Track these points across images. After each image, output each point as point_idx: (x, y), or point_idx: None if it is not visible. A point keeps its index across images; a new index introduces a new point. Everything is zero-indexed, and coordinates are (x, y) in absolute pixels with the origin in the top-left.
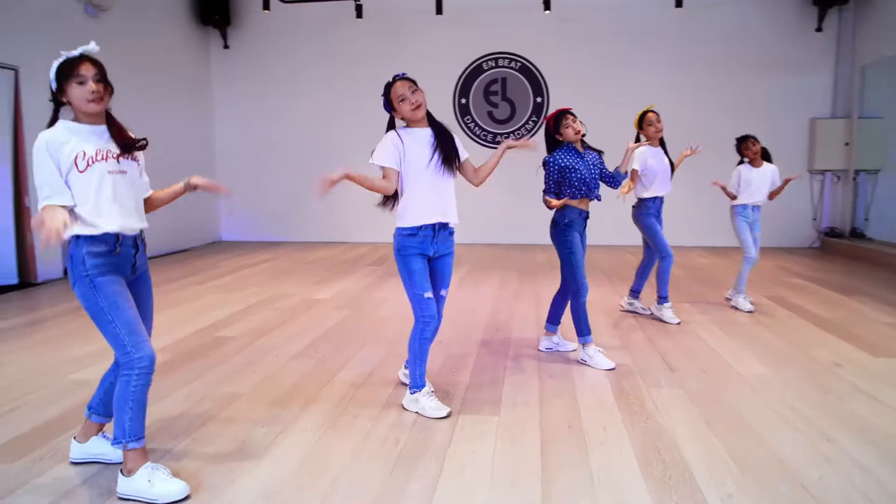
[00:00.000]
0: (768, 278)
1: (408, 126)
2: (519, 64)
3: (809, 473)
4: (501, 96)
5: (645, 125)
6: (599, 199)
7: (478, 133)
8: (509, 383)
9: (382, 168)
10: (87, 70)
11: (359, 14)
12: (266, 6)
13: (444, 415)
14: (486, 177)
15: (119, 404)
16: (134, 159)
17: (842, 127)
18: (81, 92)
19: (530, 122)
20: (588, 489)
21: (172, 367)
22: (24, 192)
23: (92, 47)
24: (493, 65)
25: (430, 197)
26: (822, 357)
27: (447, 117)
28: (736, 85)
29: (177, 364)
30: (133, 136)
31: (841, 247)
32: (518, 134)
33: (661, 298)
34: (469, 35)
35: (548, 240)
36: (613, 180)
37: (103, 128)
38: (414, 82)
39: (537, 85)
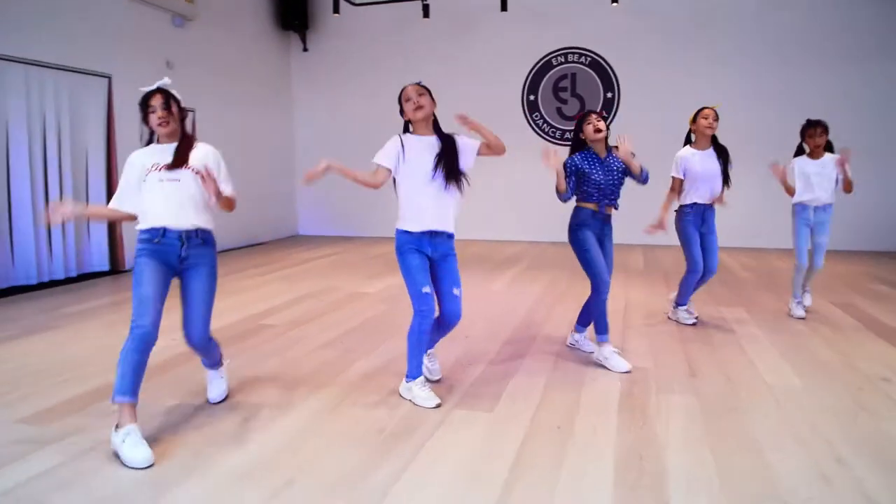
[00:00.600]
0: (847, 283)
1: (414, 132)
2: (589, 59)
3: (798, 494)
4: (571, 92)
5: (699, 118)
6: (616, 208)
7: (546, 130)
8: (517, 380)
9: (377, 164)
10: (156, 101)
11: (426, 14)
12: (336, 10)
13: (434, 405)
14: (493, 141)
15: (118, 362)
16: (188, 169)
17: None
18: (153, 119)
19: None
20: (550, 490)
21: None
22: (116, 188)
23: (165, 81)
24: (563, 60)
25: (428, 206)
26: (869, 370)
27: (515, 115)
28: (825, 78)
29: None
30: (189, 155)
31: None
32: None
33: (678, 304)
34: (538, 30)
35: (729, 242)
36: (639, 181)
37: (173, 145)
38: (426, 89)
39: (608, 80)
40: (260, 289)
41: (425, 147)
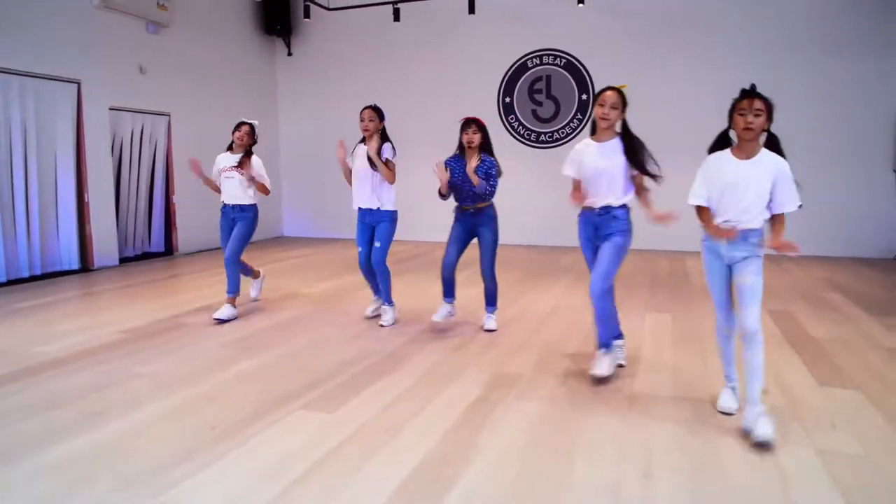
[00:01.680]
0: (798, 289)
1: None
2: (564, 60)
3: None
4: (546, 94)
5: (595, 105)
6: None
7: (521, 132)
8: (380, 385)
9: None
10: (242, 129)
11: (396, 18)
12: (307, 15)
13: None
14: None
15: None
16: (239, 172)
17: None
18: (236, 136)
19: (575, 121)
20: (331, 493)
21: (120, 345)
22: (85, 189)
23: (252, 121)
24: (538, 62)
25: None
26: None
27: (491, 117)
28: (806, 74)
29: (126, 343)
30: (245, 163)
31: None
32: (562, 132)
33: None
34: (514, 32)
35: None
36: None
37: (239, 155)
38: (375, 111)
39: (583, 81)
40: (207, 289)
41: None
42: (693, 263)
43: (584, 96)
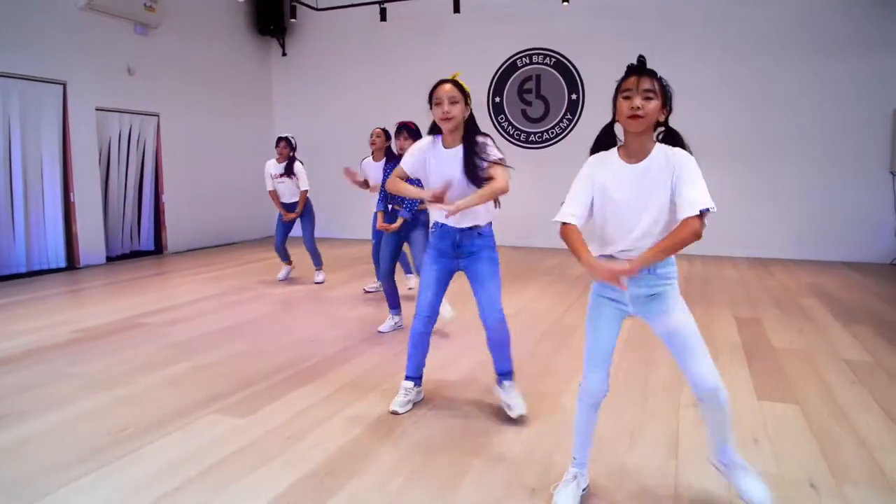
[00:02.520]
0: (778, 297)
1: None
2: (553, 59)
3: None
4: (535, 94)
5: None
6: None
7: (511, 132)
8: (305, 390)
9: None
10: (278, 144)
11: (383, 17)
12: (293, 15)
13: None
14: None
15: None
16: (289, 177)
17: None
18: (278, 150)
19: (564, 121)
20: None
21: (67, 345)
22: (71, 189)
23: (287, 135)
24: (528, 61)
25: None
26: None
27: (481, 117)
28: (803, 73)
29: (74, 343)
30: (291, 170)
31: None
32: (552, 132)
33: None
34: (503, 31)
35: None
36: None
37: (283, 164)
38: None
39: (572, 81)
40: (178, 288)
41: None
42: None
43: (573, 96)
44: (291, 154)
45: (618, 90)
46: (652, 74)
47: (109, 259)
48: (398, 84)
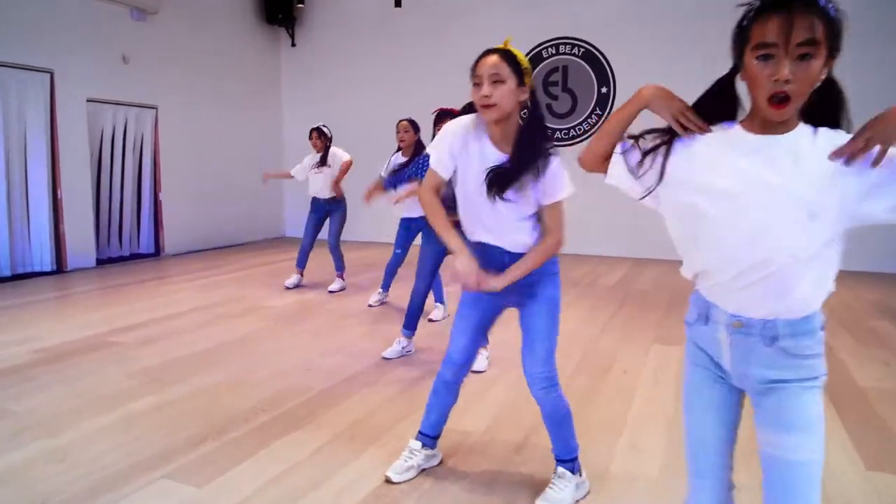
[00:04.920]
0: (840, 318)
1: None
2: (582, 50)
3: None
4: (562, 87)
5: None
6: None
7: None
8: (274, 449)
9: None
10: (311, 137)
11: (398, 3)
12: (300, 1)
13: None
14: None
15: None
16: (326, 167)
17: None
18: (312, 143)
19: (594, 116)
20: None
21: (20, 369)
22: (59, 185)
23: (318, 125)
24: (554, 52)
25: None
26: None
27: None
28: (858, 64)
29: (29, 367)
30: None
31: None
32: (578, 129)
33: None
34: (528, 19)
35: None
36: None
37: (319, 154)
38: (508, 60)
39: (603, 73)
40: (167, 297)
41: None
42: None
43: (604, 89)
44: (328, 144)
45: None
46: (504, 53)
47: (101, 262)
48: (414, 76)
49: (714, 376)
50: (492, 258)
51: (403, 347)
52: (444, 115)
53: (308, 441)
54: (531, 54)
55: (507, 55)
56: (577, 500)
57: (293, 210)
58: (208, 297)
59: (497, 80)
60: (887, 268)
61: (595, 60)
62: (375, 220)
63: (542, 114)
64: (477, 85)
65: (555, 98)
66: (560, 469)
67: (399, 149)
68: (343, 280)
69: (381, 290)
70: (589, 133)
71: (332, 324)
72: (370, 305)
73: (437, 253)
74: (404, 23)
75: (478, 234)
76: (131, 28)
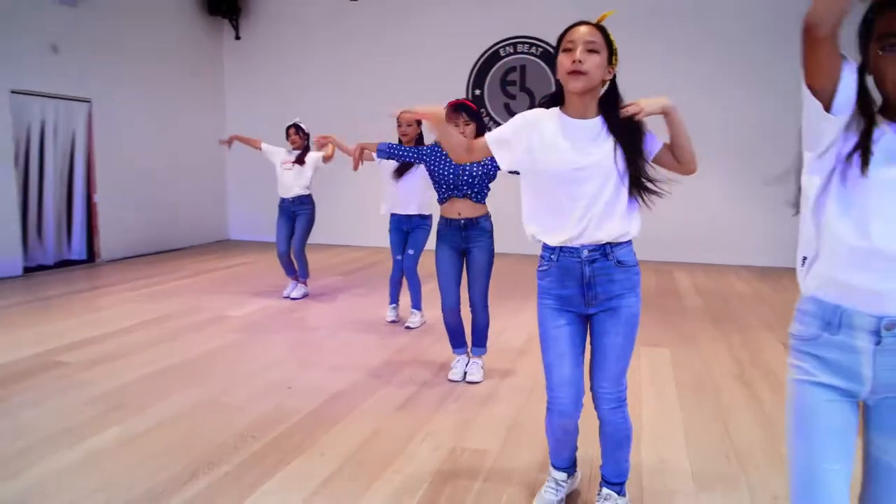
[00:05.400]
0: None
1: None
2: (540, 49)
3: None
4: (520, 86)
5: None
6: (476, 200)
7: (493, 128)
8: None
9: None
10: (287, 134)
11: None
12: None
13: None
14: None
15: None
16: (300, 164)
17: None
18: (289, 139)
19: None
20: None
21: None
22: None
23: (294, 121)
24: (512, 51)
25: None
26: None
27: None
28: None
29: None
30: (304, 158)
31: None
32: None
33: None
34: (484, 18)
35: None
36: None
37: (297, 152)
38: (603, 34)
39: None
40: (110, 309)
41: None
42: (680, 276)
43: None
44: (306, 143)
45: None
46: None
47: (29, 270)
48: (366, 72)
49: (840, 394)
50: (571, 260)
51: (465, 365)
52: (460, 109)
53: (313, 471)
54: (489, 52)
55: (602, 29)
56: None
57: (238, 212)
58: (157, 308)
59: (592, 50)
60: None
61: (553, 60)
62: (342, 222)
63: (619, 92)
64: (567, 51)
65: (513, 97)
66: (605, 490)
67: (399, 142)
68: (306, 286)
69: (391, 304)
70: None
71: (304, 335)
72: (392, 321)
73: (454, 256)
74: (358, 17)
75: (563, 232)
76: (60, 14)
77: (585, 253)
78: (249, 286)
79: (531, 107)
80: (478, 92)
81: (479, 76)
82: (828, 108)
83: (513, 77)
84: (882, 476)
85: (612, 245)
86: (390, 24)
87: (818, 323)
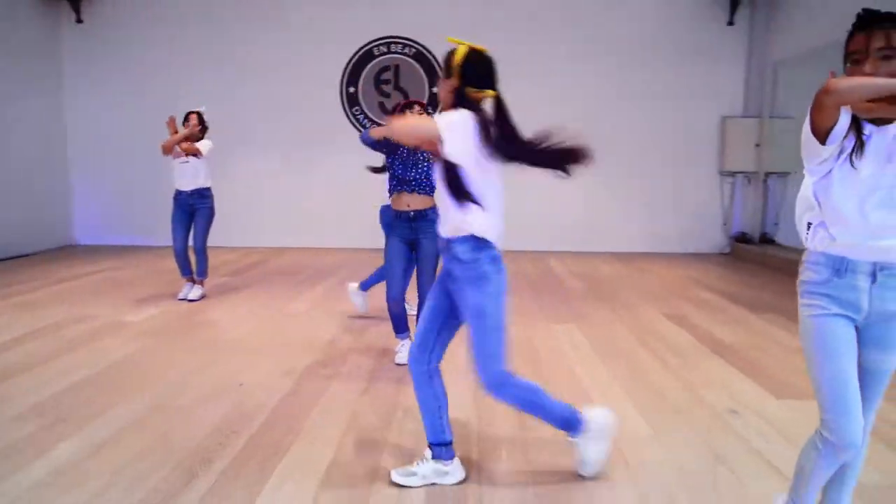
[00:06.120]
0: (674, 291)
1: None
2: (414, 50)
3: None
4: (394, 85)
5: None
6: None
7: (367, 126)
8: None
9: None
10: (187, 121)
11: None
12: None
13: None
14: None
15: None
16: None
17: (753, 127)
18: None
19: (424, 115)
20: None
21: None
22: None
23: (199, 109)
24: (386, 50)
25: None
26: (716, 401)
27: (334, 107)
28: (651, 77)
29: None
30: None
31: (751, 253)
32: None
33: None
34: (357, 16)
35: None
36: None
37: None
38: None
39: (434, 74)
40: None
41: None
42: (555, 263)
43: (435, 90)
44: (202, 133)
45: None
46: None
47: None
48: (232, 67)
49: (847, 320)
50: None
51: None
52: (412, 105)
53: (314, 457)
54: (362, 51)
55: (449, 53)
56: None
57: (84, 214)
58: (38, 318)
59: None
60: (674, 249)
61: (426, 61)
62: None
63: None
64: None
65: (387, 96)
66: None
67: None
68: (203, 287)
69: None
70: None
71: (221, 335)
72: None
73: (403, 247)
74: (224, 10)
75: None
76: None
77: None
78: (134, 292)
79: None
80: (352, 90)
81: (353, 74)
82: (823, 142)
83: (387, 76)
84: (866, 378)
85: (450, 240)
86: (257, 16)
87: (829, 271)
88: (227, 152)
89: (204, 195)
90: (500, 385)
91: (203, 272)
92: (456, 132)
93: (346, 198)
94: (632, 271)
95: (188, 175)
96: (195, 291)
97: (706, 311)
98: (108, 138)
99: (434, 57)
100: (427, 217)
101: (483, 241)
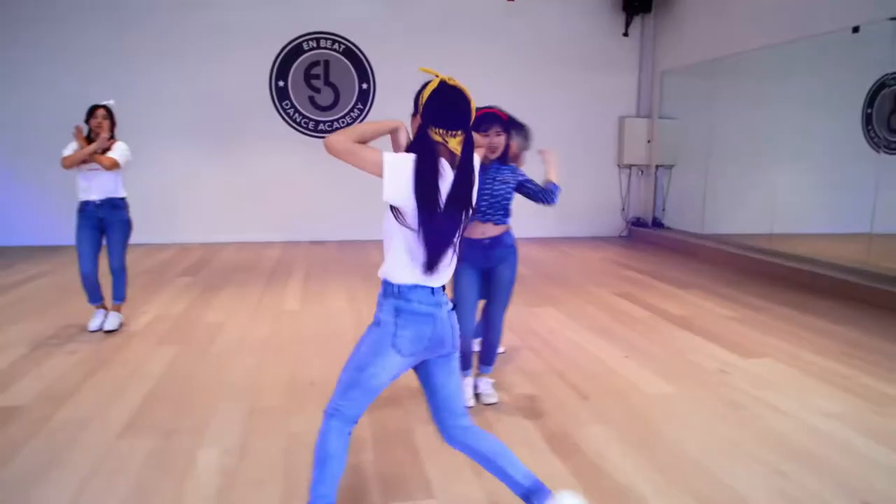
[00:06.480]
0: (605, 272)
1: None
2: (343, 47)
3: None
4: (324, 80)
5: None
6: (498, 223)
7: (298, 120)
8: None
9: None
10: (93, 115)
11: None
12: None
13: None
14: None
15: None
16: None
17: (645, 126)
18: (91, 125)
19: (356, 110)
20: None
21: None
22: None
23: (107, 102)
24: (315, 45)
25: None
26: (704, 364)
27: (262, 100)
28: (558, 81)
29: None
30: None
31: (647, 235)
32: (343, 122)
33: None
34: (286, 10)
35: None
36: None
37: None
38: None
39: (363, 70)
40: None
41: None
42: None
43: (364, 85)
44: (112, 130)
45: None
46: None
47: None
48: (154, 55)
49: None
50: None
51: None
52: (491, 120)
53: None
54: (290, 46)
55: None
56: None
57: None
58: (20, 334)
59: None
60: (577, 233)
61: (355, 58)
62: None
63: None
64: None
65: (317, 91)
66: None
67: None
68: (120, 313)
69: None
70: (351, 126)
71: (245, 337)
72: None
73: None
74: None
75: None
76: None
77: None
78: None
79: (336, 101)
80: (281, 83)
81: (282, 68)
82: None
83: (317, 71)
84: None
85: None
86: (176, 5)
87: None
88: (146, 146)
89: (117, 205)
90: (327, 415)
91: (121, 296)
92: (395, 174)
93: (275, 190)
94: (558, 255)
95: (98, 184)
96: (111, 320)
97: (642, 288)
98: (3, 127)
99: (364, 54)
100: (503, 243)
101: (387, 286)
